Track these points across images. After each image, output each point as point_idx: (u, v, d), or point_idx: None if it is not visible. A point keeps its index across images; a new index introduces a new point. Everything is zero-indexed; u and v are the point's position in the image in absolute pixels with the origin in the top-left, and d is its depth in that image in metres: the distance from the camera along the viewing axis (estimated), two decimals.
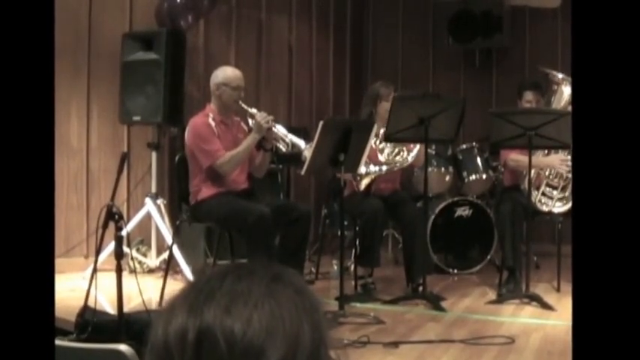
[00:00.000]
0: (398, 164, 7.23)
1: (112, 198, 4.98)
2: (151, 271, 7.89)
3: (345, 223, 6.69)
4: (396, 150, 7.27)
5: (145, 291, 5.26)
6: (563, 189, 7.32)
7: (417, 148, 7.18)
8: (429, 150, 7.24)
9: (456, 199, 8.49)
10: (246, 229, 6.17)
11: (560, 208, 7.30)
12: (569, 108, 6.90)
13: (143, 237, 8.01)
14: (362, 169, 6.80)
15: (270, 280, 1.30)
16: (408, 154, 7.22)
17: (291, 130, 6.73)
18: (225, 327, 1.23)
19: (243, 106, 6.57)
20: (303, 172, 6.29)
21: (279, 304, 1.27)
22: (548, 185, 7.39)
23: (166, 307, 1.31)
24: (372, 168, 7.04)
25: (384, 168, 7.17)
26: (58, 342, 4.54)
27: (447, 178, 8.63)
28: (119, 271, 4.80)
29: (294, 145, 6.48)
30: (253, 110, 6.53)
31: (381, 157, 7.21)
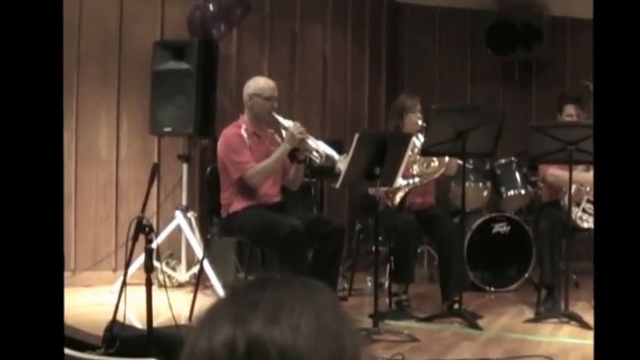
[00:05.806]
0: (430, 175, 7.11)
1: (143, 210, 4.91)
2: (180, 285, 7.81)
3: (380, 238, 6.57)
4: (427, 161, 7.16)
5: (175, 306, 5.16)
6: None
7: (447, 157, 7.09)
8: (466, 164, 7.11)
9: (493, 214, 8.37)
10: (278, 244, 6.09)
11: None
12: None
13: (173, 251, 7.93)
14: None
15: (307, 289, 1.34)
16: (440, 164, 7.10)
17: (325, 142, 6.61)
18: (274, 336, 1.25)
19: (277, 117, 6.48)
20: (338, 185, 6.19)
21: (321, 313, 1.30)
22: (588, 201, 7.22)
23: (204, 319, 1.31)
24: (403, 181, 6.91)
25: (416, 180, 7.08)
26: (86, 356, 4.44)
27: (485, 193, 8.50)
28: (149, 284, 4.72)
29: (327, 156, 6.38)
30: (288, 122, 6.42)
31: (412, 170, 7.08)
